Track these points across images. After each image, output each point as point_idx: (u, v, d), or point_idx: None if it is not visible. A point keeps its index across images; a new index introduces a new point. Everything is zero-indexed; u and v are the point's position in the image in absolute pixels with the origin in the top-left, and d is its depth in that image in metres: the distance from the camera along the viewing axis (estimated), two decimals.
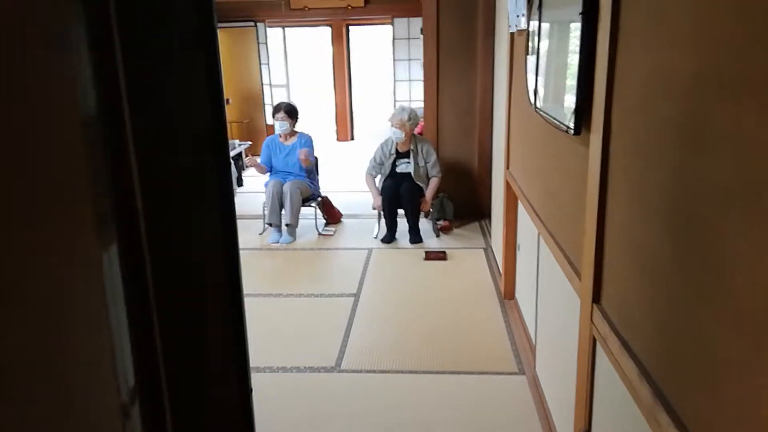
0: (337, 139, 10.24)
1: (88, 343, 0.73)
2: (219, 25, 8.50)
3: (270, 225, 5.05)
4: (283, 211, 4.99)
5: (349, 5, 8.94)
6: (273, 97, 9.21)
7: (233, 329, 1.09)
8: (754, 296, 0.89)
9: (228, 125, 8.56)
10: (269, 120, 8.71)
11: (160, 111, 0.82)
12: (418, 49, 8.41)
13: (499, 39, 4.22)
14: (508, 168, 3.51)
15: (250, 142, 8.01)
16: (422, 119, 5.47)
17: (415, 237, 4.86)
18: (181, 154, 0.85)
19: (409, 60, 9.03)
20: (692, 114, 1.11)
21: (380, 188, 4.94)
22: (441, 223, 5.13)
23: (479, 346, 3.18)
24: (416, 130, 5.12)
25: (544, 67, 2.26)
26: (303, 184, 5.10)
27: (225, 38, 8.71)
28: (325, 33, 9.91)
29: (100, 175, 0.73)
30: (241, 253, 4.24)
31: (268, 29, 8.98)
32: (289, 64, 9.78)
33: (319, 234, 5.15)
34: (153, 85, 0.81)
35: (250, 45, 8.78)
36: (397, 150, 4.89)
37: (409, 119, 4.77)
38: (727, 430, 0.97)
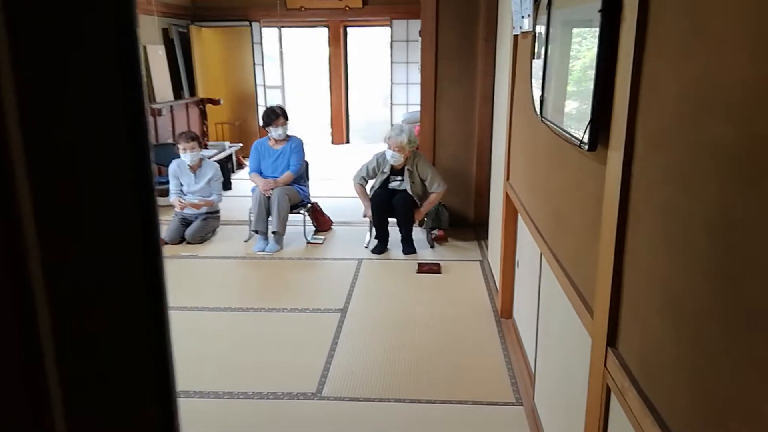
0: (332, 142, 10.01)
1: None
2: (213, 24, 8.30)
3: (256, 232, 4.81)
4: (270, 218, 4.76)
5: (347, 6, 8.72)
6: (267, 98, 8.97)
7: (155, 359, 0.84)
8: None
9: (218, 126, 8.33)
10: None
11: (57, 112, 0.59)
12: (416, 51, 8.18)
13: (502, 42, 4.00)
14: (508, 179, 3.28)
15: (240, 144, 7.77)
16: (418, 124, 5.23)
17: (408, 248, 4.62)
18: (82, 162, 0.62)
19: (407, 63, 8.81)
20: (748, 135, 0.88)
21: (371, 195, 4.69)
22: (435, 232, 4.90)
23: (473, 372, 2.94)
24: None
25: (553, 72, 2.04)
26: (292, 190, 4.86)
27: (218, 38, 8.48)
28: (322, 34, 9.68)
29: None
30: (224, 262, 4.01)
31: (263, 29, 8.74)
32: (284, 65, 9.55)
33: (308, 242, 4.91)
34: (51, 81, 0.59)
35: (245, 45, 8.54)
36: (391, 167, 4.63)
37: (409, 142, 4.48)
38: None
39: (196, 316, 3.56)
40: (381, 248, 4.63)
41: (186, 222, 5.02)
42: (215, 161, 6.24)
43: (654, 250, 1.22)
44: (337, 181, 7.02)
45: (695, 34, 1.06)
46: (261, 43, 8.70)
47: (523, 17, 2.81)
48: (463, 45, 4.86)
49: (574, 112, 1.75)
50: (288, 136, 5.03)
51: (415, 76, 8.34)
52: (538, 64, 2.32)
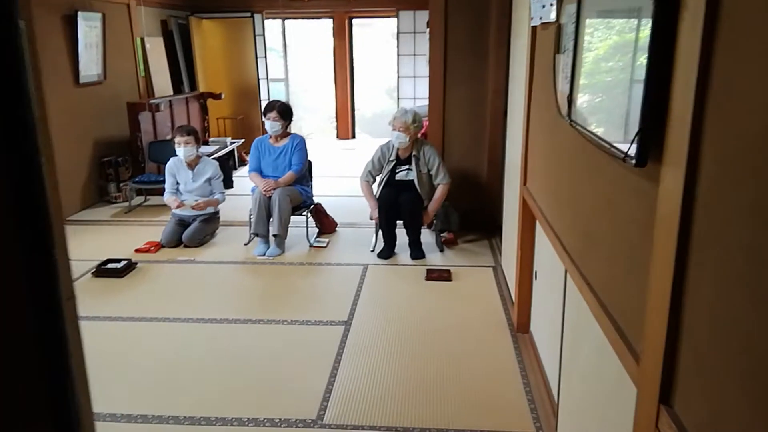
0: (337, 137, 9.75)
1: None
2: (213, 15, 8.04)
3: (256, 235, 4.57)
4: (271, 221, 4.52)
5: None
6: (270, 92, 8.72)
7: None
8: None
9: (220, 121, 8.09)
10: None
11: None
12: (424, 44, 7.90)
13: (517, 33, 3.73)
14: (525, 183, 3.03)
15: (243, 140, 7.54)
16: (426, 118, 4.97)
17: (417, 252, 4.37)
18: None
19: (414, 55, 8.53)
20: None
21: (377, 196, 4.44)
22: (445, 235, 4.65)
23: (488, 395, 2.70)
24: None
25: (585, 69, 1.77)
26: (293, 190, 4.61)
27: (219, 30, 8.22)
28: (326, 25, 9.40)
29: None
30: (222, 267, 3.74)
31: (266, 21, 8.48)
32: (288, 57, 9.30)
33: (311, 246, 4.67)
34: None
35: (247, 37, 8.28)
36: (397, 155, 4.40)
37: (414, 122, 4.27)
38: None
39: (188, 329, 3.33)
40: (388, 252, 4.39)
41: (183, 224, 4.79)
42: (216, 158, 6.02)
43: (726, 293, 0.97)
44: (341, 179, 6.78)
45: None
46: (264, 35, 8.44)
47: (543, 6, 2.54)
48: (473, 37, 4.59)
49: (615, 118, 1.49)
50: (289, 133, 4.78)
51: (423, 68, 8.07)
52: (564, 59, 2.06)
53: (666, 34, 1.17)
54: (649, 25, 1.20)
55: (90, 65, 5.83)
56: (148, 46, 6.86)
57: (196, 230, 4.73)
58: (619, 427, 1.54)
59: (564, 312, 2.34)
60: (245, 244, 4.70)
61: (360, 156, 7.14)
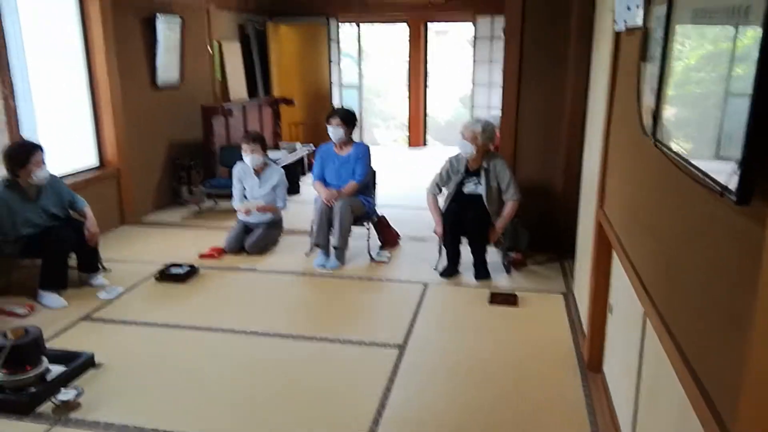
0: (409, 145, 9.59)
1: None
2: (290, 20, 8.07)
3: (317, 246, 4.46)
4: (331, 231, 4.40)
5: (429, 1, 8.26)
6: (342, 98, 8.68)
7: None
8: None
9: (292, 126, 8.12)
10: None
11: None
12: (501, 50, 7.60)
13: (599, 39, 3.42)
14: (602, 206, 2.73)
15: (312, 146, 7.50)
16: (498, 129, 4.70)
17: (481, 272, 4.12)
18: None
19: (491, 62, 8.24)
20: None
21: (443, 211, 4.22)
22: (512, 255, 4.36)
23: None
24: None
25: (677, 81, 1.51)
26: (356, 201, 4.47)
27: (294, 35, 8.25)
28: (401, 30, 9.27)
29: None
30: (281, 278, 3.58)
31: (340, 26, 8.44)
32: (362, 63, 9.24)
33: (372, 260, 4.51)
34: None
35: (321, 42, 8.26)
36: (467, 168, 4.17)
37: (483, 132, 4.03)
38: None
39: (239, 341, 3.24)
40: (451, 271, 4.16)
41: (247, 230, 4.77)
42: (284, 165, 6.00)
43: None
44: (409, 189, 6.60)
45: None
46: (338, 41, 8.40)
47: (629, 9, 2.26)
48: (551, 43, 4.29)
49: (710, 141, 1.23)
50: (354, 141, 4.65)
51: (499, 76, 7.75)
52: (650, 68, 1.78)
53: None
54: (760, 30, 0.94)
55: (168, 68, 5.94)
56: (225, 50, 6.96)
57: (259, 237, 4.69)
58: None
59: (642, 357, 2.05)
60: (306, 254, 4.61)
61: (430, 165, 6.93)
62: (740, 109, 1.01)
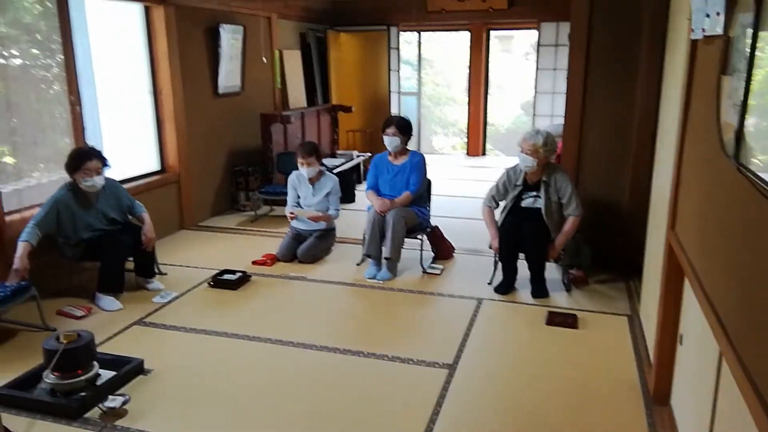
0: (468, 154, 9.42)
1: None
2: (351, 29, 8.08)
3: (368, 256, 4.39)
4: (383, 242, 4.31)
5: (490, 7, 8.08)
6: (401, 106, 8.60)
7: None
8: None
9: (350, 134, 8.11)
10: None
11: None
12: (565, 57, 7.35)
13: (673, 47, 3.20)
14: (673, 228, 2.53)
15: (369, 154, 7.46)
16: (560, 138, 4.50)
17: (539, 290, 3.93)
18: None
19: (555, 69, 7.98)
20: None
21: (499, 224, 4.06)
22: (573, 272, 4.15)
23: None
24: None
25: (764, 99, 1.33)
26: (409, 212, 4.38)
27: (354, 43, 8.25)
28: (463, 37, 9.13)
29: None
30: (331, 288, 3.51)
31: (401, 34, 8.38)
32: (422, 70, 9.14)
33: (424, 272, 4.40)
34: None
35: (381, 50, 8.22)
36: (525, 181, 3.99)
37: (544, 145, 3.84)
38: None
39: (285, 353, 3.19)
40: (506, 287, 3.99)
41: (300, 238, 4.75)
42: (339, 172, 5.98)
43: None
44: (465, 200, 6.45)
45: None
46: (398, 48, 8.34)
47: (708, 15, 2.07)
48: (619, 51, 4.06)
49: None
50: (409, 150, 4.56)
51: (562, 84, 7.51)
52: (733, 82, 1.61)
53: None
54: None
55: (230, 77, 6.03)
56: (286, 58, 7.01)
57: (311, 246, 4.66)
58: None
59: (716, 393, 1.86)
60: (357, 264, 4.54)
61: (489, 175, 6.77)
62: None
